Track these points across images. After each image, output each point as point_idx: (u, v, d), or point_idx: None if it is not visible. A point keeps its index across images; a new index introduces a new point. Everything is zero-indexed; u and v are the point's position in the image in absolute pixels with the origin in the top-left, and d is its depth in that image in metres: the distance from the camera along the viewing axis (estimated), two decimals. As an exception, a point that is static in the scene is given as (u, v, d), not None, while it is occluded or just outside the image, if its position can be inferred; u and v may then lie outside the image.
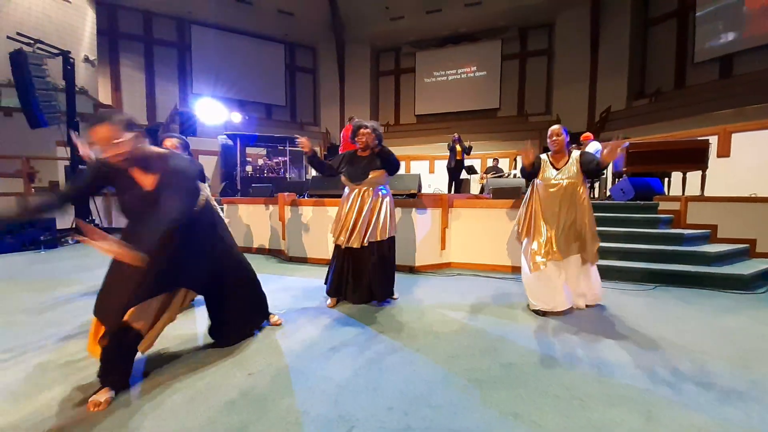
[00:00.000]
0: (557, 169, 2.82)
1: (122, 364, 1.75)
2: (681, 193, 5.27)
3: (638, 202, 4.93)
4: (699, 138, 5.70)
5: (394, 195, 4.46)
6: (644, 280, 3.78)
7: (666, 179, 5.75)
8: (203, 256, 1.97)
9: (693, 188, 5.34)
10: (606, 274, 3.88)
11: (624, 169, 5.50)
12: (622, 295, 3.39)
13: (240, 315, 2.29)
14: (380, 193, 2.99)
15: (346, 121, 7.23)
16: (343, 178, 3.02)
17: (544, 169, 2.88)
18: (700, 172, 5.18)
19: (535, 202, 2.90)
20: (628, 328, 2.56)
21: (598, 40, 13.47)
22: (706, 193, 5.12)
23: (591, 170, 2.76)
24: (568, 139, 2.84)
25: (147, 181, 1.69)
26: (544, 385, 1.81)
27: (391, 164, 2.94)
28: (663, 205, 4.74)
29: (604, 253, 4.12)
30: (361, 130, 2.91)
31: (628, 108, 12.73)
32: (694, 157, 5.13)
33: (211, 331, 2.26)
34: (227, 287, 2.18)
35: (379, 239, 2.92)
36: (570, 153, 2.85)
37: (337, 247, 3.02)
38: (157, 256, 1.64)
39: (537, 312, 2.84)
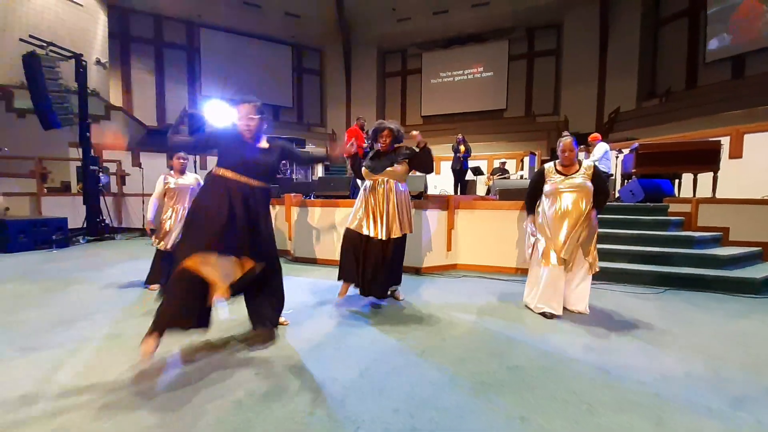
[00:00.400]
0: (566, 176, 2.81)
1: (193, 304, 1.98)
2: (692, 195, 5.19)
3: (648, 203, 4.86)
4: (710, 139, 5.61)
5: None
6: (654, 283, 3.73)
7: (677, 181, 5.67)
8: (265, 233, 2.25)
9: (704, 190, 5.25)
10: (615, 276, 3.85)
11: (633, 170, 5.43)
12: (631, 298, 3.34)
13: (268, 303, 2.38)
14: (400, 188, 3.01)
15: (353, 121, 7.27)
16: (364, 170, 3.04)
17: (550, 176, 2.86)
18: (711, 174, 5.09)
19: (542, 215, 2.89)
20: (638, 332, 2.52)
21: (607, 40, 13.33)
22: (718, 195, 5.03)
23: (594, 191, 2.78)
24: (578, 150, 2.84)
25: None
26: (552, 389, 1.79)
27: (426, 167, 3.03)
28: (673, 207, 4.67)
29: (612, 256, 4.10)
30: (384, 132, 2.97)
31: (638, 108, 12.57)
32: (706, 159, 5.05)
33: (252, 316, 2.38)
34: (267, 272, 2.28)
35: (400, 234, 2.94)
36: (580, 163, 2.84)
37: (355, 236, 2.96)
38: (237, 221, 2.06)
39: (543, 314, 2.82)
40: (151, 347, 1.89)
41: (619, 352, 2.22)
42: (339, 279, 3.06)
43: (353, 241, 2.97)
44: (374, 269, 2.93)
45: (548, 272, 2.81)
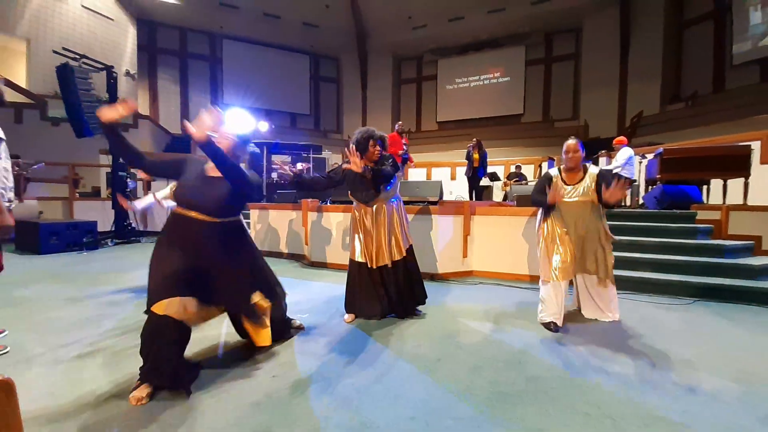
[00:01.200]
0: (570, 185, 2.76)
1: (170, 358, 1.75)
2: (721, 202, 4.98)
3: (674, 210, 4.69)
4: (740, 143, 5.38)
5: (415, 202, 4.48)
6: (682, 293, 3.58)
7: (704, 187, 5.45)
8: (241, 276, 2.03)
9: (735, 197, 5.03)
10: (639, 286, 3.72)
11: (658, 176, 5.26)
12: (657, 309, 3.22)
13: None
14: (393, 205, 2.91)
15: (394, 127, 7.16)
16: (352, 197, 2.90)
17: (557, 186, 2.78)
18: (742, 180, 4.88)
19: (551, 222, 2.82)
20: (665, 345, 2.42)
21: (628, 43, 13.04)
22: (749, 202, 4.81)
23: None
24: (584, 154, 2.77)
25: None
26: (572, 401, 1.74)
27: (384, 178, 2.72)
28: (701, 215, 4.50)
29: (636, 264, 3.97)
30: (372, 141, 2.73)
31: (662, 112, 12.19)
32: (735, 164, 4.85)
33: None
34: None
35: (403, 254, 2.87)
36: (585, 169, 2.77)
37: (361, 268, 2.86)
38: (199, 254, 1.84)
39: (548, 326, 2.71)
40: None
41: (644, 364, 2.14)
42: (347, 311, 2.92)
43: (359, 272, 2.85)
44: (394, 292, 2.87)
45: (551, 287, 2.74)
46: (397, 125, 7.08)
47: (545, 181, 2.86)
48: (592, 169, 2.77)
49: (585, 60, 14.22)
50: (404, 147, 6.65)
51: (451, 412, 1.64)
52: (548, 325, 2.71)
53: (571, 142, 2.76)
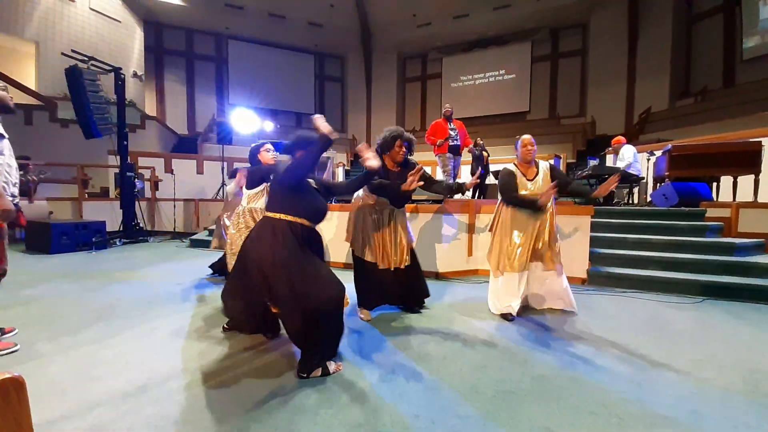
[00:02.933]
0: (530, 180, 2.91)
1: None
2: (731, 199, 4.90)
3: (683, 208, 4.64)
4: (750, 140, 5.29)
5: (420, 201, 4.49)
6: (691, 292, 3.54)
7: (714, 184, 5.37)
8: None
9: (745, 194, 4.95)
10: (648, 285, 3.69)
11: (667, 173, 5.19)
12: (666, 307, 3.19)
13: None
14: (403, 210, 2.98)
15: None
16: (380, 201, 2.79)
17: (521, 182, 2.92)
18: (752, 177, 4.80)
19: (504, 213, 2.96)
20: (673, 344, 2.40)
21: (636, 38, 12.88)
22: (760, 200, 4.73)
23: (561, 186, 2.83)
24: (536, 149, 2.96)
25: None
26: (579, 400, 1.73)
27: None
28: (711, 212, 4.44)
29: (645, 263, 3.93)
30: (398, 142, 2.68)
31: (671, 108, 12.03)
32: (746, 160, 4.78)
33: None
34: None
35: (409, 257, 2.92)
36: (537, 164, 2.95)
37: (371, 267, 2.83)
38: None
39: (505, 316, 2.86)
40: None
41: (651, 363, 2.12)
42: (360, 306, 2.94)
43: (371, 271, 2.85)
44: (401, 289, 2.94)
45: (507, 279, 2.88)
46: (444, 108, 6.12)
47: (510, 177, 2.94)
48: (543, 164, 2.94)
49: (592, 56, 14.07)
50: (450, 132, 5.72)
51: (456, 411, 1.64)
52: (506, 316, 2.84)
53: (527, 136, 2.96)
